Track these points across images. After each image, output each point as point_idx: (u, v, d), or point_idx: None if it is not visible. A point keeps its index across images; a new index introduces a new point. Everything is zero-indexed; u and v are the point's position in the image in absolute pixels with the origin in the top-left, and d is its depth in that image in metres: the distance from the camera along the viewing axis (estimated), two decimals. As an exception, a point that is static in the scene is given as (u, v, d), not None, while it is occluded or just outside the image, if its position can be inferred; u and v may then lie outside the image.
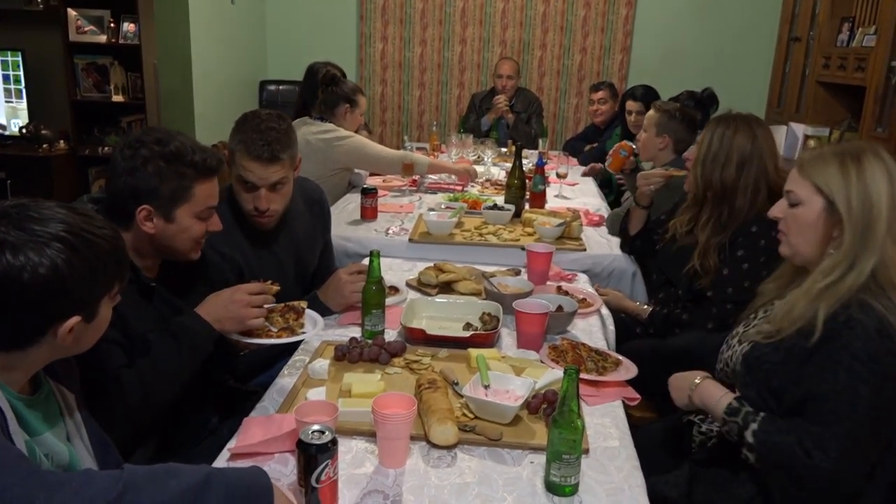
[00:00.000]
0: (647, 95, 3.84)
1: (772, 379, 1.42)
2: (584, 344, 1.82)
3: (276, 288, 1.63)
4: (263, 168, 1.87)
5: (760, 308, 1.61)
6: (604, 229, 2.96)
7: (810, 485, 1.32)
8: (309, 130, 3.23)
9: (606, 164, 3.58)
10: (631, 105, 3.94)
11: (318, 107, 3.36)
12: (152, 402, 1.44)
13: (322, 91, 3.36)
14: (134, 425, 1.43)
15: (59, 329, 1.09)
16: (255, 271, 1.93)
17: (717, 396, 1.48)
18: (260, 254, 2.01)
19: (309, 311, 1.70)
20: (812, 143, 4.21)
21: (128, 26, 4.75)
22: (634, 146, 3.37)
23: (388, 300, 1.97)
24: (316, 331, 1.70)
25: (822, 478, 1.29)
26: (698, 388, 1.53)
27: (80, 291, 1.10)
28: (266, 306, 1.65)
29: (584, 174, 4.18)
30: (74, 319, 1.10)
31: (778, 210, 1.53)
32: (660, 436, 1.58)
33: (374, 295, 1.83)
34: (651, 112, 3.03)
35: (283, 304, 1.68)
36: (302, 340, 1.74)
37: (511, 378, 1.56)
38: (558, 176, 3.72)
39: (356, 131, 3.45)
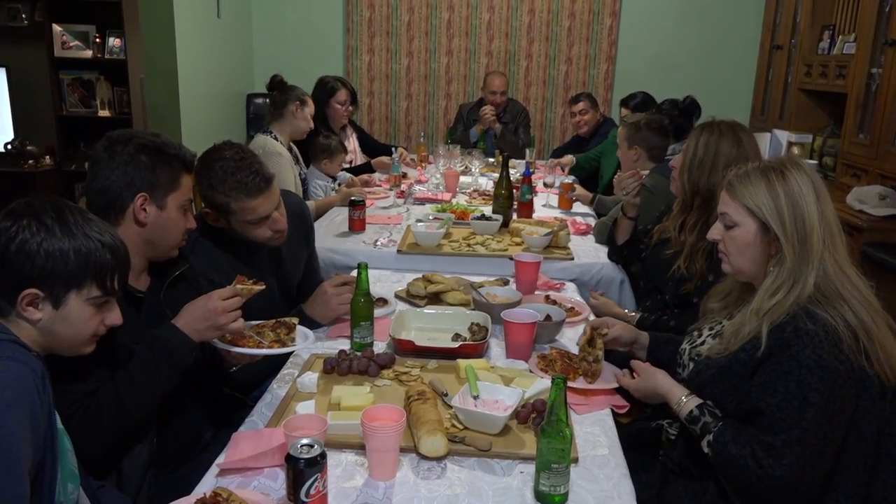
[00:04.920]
0: (639, 108, 3.89)
1: (713, 388, 1.46)
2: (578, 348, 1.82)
3: (259, 287, 1.62)
4: (266, 198, 1.87)
5: (706, 326, 1.65)
6: (591, 238, 2.98)
7: (765, 493, 1.35)
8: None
9: (557, 203, 3.57)
10: (623, 112, 4.03)
11: (269, 111, 3.42)
12: (127, 417, 1.43)
13: (273, 94, 3.41)
14: (107, 438, 1.42)
15: (20, 297, 1.20)
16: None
17: (679, 399, 1.52)
18: (244, 271, 2.00)
19: (300, 327, 1.71)
20: (796, 149, 4.26)
21: (113, 41, 4.74)
22: (572, 181, 3.51)
23: (377, 312, 1.97)
24: (307, 344, 1.70)
25: (777, 486, 1.32)
26: (659, 388, 1.56)
27: (45, 268, 1.21)
28: (257, 322, 1.66)
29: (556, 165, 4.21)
30: (31, 291, 1.21)
31: (716, 232, 1.56)
32: (632, 438, 1.61)
33: (363, 307, 1.83)
34: (619, 129, 3.10)
35: (274, 321, 1.68)
36: (291, 352, 1.74)
37: (500, 388, 1.57)
38: (545, 185, 3.74)
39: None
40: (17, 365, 1.11)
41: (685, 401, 1.50)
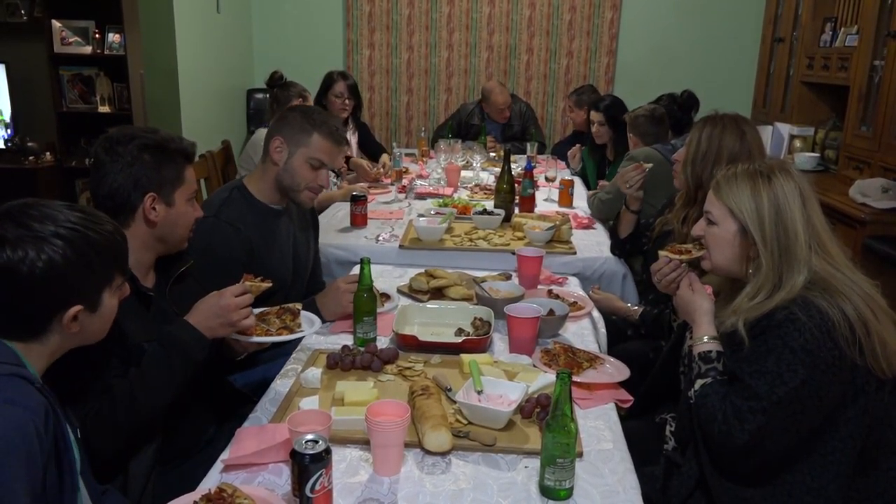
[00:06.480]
0: (610, 109, 3.86)
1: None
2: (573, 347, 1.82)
3: (266, 285, 1.63)
4: (337, 153, 2.15)
5: None
6: (593, 232, 2.98)
7: (720, 451, 1.40)
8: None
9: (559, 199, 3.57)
10: (594, 116, 3.97)
11: (270, 107, 3.54)
12: (141, 415, 1.44)
13: (274, 91, 3.55)
14: (120, 437, 1.43)
15: (64, 317, 1.18)
16: (261, 250, 2.04)
17: (704, 335, 1.52)
18: (266, 236, 2.10)
19: (305, 312, 1.73)
20: (798, 143, 4.24)
21: (113, 37, 4.73)
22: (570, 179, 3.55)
23: (380, 307, 1.97)
24: (314, 330, 1.72)
25: (734, 447, 1.37)
26: (699, 312, 1.55)
27: (78, 283, 1.20)
28: (260, 310, 1.66)
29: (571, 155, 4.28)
30: (76, 308, 1.19)
31: (698, 229, 1.59)
32: (636, 432, 1.62)
33: (366, 302, 1.83)
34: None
35: (278, 307, 1.69)
36: (301, 338, 1.77)
37: (504, 383, 1.57)
38: (547, 180, 3.73)
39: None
40: (15, 411, 1.06)
41: (707, 340, 1.50)
